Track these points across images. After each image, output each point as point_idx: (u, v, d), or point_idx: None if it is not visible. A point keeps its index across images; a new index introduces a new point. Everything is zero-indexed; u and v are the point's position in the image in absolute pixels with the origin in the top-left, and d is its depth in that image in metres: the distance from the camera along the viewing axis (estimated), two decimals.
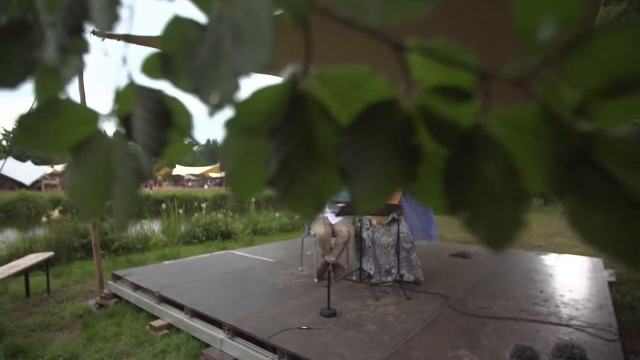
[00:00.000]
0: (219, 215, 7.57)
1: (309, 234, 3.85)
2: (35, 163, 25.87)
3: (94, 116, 0.35)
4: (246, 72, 0.24)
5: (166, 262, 4.54)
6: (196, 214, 7.51)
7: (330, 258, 3.64)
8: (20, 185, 19.70)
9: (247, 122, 0.27)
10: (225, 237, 7.27)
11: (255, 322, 2.51)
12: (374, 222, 3.67)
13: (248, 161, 0.28)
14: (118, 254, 5.61)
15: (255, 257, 4.68)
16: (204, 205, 7.98)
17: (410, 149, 0.27)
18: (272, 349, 2.21)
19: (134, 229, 6.88)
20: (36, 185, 21.10)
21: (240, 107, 0.27)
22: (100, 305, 3.51)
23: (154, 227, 7.20)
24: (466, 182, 0.27)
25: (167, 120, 0.31)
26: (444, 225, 9.08)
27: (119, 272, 3.81)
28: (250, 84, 0.27)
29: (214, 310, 2.74)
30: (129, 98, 0.33)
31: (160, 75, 0.32)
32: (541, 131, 0.25)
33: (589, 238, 0.25)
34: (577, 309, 2.76)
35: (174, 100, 0.32)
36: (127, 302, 3.46)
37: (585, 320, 2.53)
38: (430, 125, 0.27)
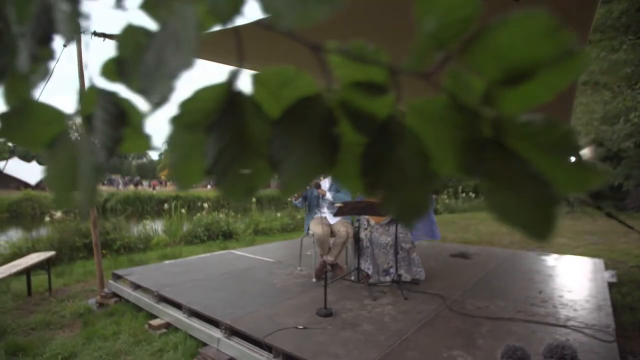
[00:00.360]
0: (221, 215, 7.59)
1: (308, 234, 3.86)
2: (40, 163, 25.96)
3: (61, 116, 0.37)
4: (176, 74, 0.25)
5: (166, 262, 4.57)
6: (198, 214, 7.55)
7: (329, 258, 3.65)
8: (26, 185, 19.87)
9: (189, 119, 0.30)
10: (227, 237, 7.30)
11: (251, 322, 2.52)
12: (372, 222, 3.67)
13: (190, 154, 0.31)
14: (120, 253, 5.65)
15: (255, 257, 4.69)
16: (205, 205, 8.00)
17: (331, 138, 0.29)
18: (268, 348, 2.22)
19: (136, 229, 6.93)
20: (41, 185, 21.29)
21: (183, 105, 0.29)
22: (101, 304, 3.54)
23: (156, 227, 7.25)
24: (382, 165, 0.30)
25: (122, 120, 0.33)
26: (445, 226, 9.07)
27: (120, 272, 3.84)
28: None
29: (211, 309, 2.75)
30: (91, 99, 0.35)
31: (116, 78, 0.33)
32: (449, 119, 0.28)
33: (502, 215, 0.29)
34: (575, 310, 2.75)
35: (128, 102, 0.34)
36: (127, 301, 3.49)
37: (582, 321, 2.52)
38: (350, 116, 0.30)
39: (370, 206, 3.26)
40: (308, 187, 3.75)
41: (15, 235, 7.03)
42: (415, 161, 0.29)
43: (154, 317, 3.08)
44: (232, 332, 2.48)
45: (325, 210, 3.84)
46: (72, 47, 3.58)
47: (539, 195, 0.27)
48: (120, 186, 28.88)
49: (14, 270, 3.43)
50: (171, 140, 0.31)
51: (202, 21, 0.27)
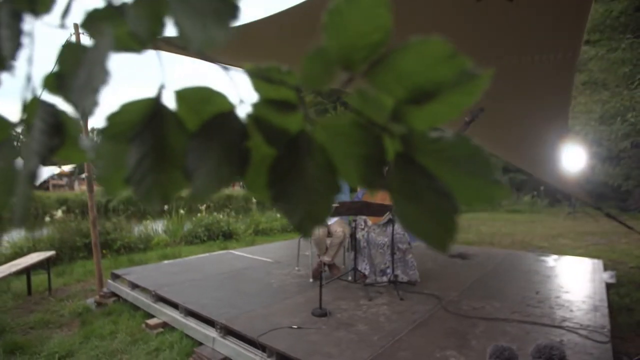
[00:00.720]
0: (221, 216, 7.62)
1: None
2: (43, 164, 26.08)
3: (7, 125, 0.39)
4: (98, 89, 0.28)
5: (165, 262, 4.59)
6: (199, 214, 7.57)
7: (326, 258, 3.66)
8: (35, 182, 19.94)
9: (114, 131, 0.32)
10: (227, 237, 7.31)
11: (247, 321, 2.54)
12: (370, 222, 3.68)
13: (114, 163, 0.33)
14: (120, 253, 5.69)
15: (254, 257, 4.71)
16: (203, 206, 8.03)
17: (242, 151, 0.32)
18: (262, 347, 2.23)
19: (137, 229, 6.96)
20: (44, 185, 21.43)
21: (110, 118, 0.32)
22: (99, 304, 3.56)
23: (156, 227, 7.28)
24: (288, 177, 0.32)
25: (58, 131, 0.35)
26: None
27: (118, 271, 3.87)
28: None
29: (207, 309, 2.77)
30: (34, 110, 0.36)
31: (56, 91, 0.35)
32: (354, 135, 0.30)
33: (407, 224, 0.31)
34: (571, 311, 2.74)
35: (65, 114, 0.35)
36: (125, 300, 3.51)
37: (578, 322, 2.52)
38: (262, 131, 0.32)
39: (367, 206, 3.27)
40: None
41: (18, 235, 7.09)
42: (323, 174, 0.31)
43: (152, 316, 3.10)
44: (227, 331, 2.49)
45: None
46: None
47: (441, 208, 0.29)
48: None
49: (13, 269, 3.46)
50: (98, 150, 0.33)
51: (125, 42, 0.29)
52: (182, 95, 0.32)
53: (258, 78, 0.30)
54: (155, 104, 0.31)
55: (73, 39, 3.64)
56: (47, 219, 5.98)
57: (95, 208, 3.94)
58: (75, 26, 3.66)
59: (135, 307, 3.35)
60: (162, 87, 0.31)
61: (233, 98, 0.31)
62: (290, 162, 0.32)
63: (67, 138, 0.34)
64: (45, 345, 2.73)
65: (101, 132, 0.32)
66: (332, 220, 3.76)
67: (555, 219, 9.88)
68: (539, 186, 12.99)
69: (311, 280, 3.57)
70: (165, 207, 7.37)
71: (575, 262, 4.46)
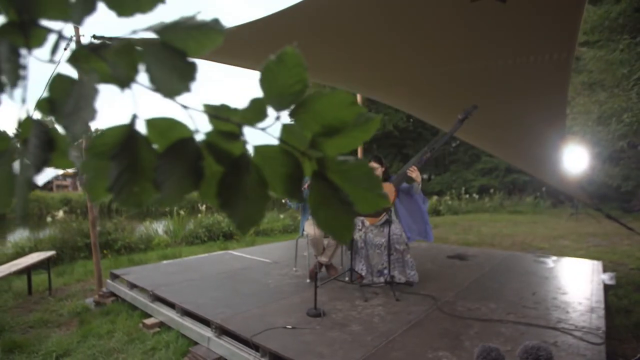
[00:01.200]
0: (221, 217, 7.64)
1: (303, 235, 3.88)
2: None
3: (6, 137, 0.45)
4: (88, 121, 0.35)
5: (164, 262, 4.62)
6: (199, 215, 7.61)
7: (323, 259, 3.67)
8: (33, 185, 20.14)
9: (98, 150, 0.39)
10: (228, 237, 7.35)
11: (241, 321, 2.55)
12: (367, 223, 3.68)
13: (98, 175, 0.40)
14: (121, 253, 5.73)
15: (252, 257, 4.73)
16: (203, 207, 8.07)
17: (197, 168, 0.40)
18: (255, 347, 2.24)
19: (139, 229, 7.01)
20: (48, 185, 21.59)
21: (94, 139, 0.40)
22: (98, 303, 3.59)
23: (158, 227, 7.32)
24: (232, 189, 0.41)
25: (50, 145, 0.41)
26: (447, 227, 9.04)
27: (117, 271, 3.90)
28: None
29: (203, 309, 2.78)
30: (27, 127, 0.42)
31: (48, 113, 0.42)
32: (281, 159, 0.40)
33: (320, 224, 0.41)
34: (567, 312, 2.73)
35: (56, 131, 0.42)
36: (124, 300, 3.54)
37: (573, 323, 2.51)
38: (213, 153, 0.41)
39: None
40: (303, 188, 3.75)
41: (22, 235, 7.15)
42: (257, 186, 0.41)
43: (149, 316, 3.13)
44: (222, 331, 2.51)
45: None
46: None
47: (344, 212, 0.40)
48: None
49: (14, 269, 3.50)
50: (84, 164, 0.40)
51: (108, 77, 0.36)
52: (152, 123, 0.40)
53: (211, 115, 0.39)
54: (130, 129, 0.39)
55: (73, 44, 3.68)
56: (49, 219, 6.03)
57: (98, 208, 3.98)
58: (76, 29, 3.70)
59: (134, 307, 3.38)
60: (135, 117, 0.38)
61: (195, 126, 0.40)
62: (233, 178, 0.41)
63: (58, 151, 0.41)
64: (44, 344, 2.76)
65: (87, 150, 0.39)
66: None
67: (558, 220, 9.83)
68: (542, 187, 12.93)
69: (308, 280, 3.58)
70: (167, 208, 7.42)
71: (574, 263, 4.43)
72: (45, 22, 0.39)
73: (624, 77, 6.53)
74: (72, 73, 0.40)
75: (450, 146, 21.93)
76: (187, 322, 2.75)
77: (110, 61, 0.36)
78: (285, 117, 0.40)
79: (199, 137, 0.40)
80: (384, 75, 3.65)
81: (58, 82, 0.40)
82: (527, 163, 4.79)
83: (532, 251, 5.79)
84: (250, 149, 0.42)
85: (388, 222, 3.54)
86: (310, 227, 3.65)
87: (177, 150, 0.39)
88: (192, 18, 0.38)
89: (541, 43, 2.51)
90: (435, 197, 13.41)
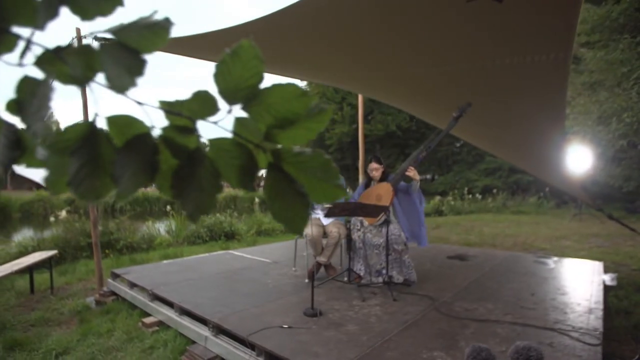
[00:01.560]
0: (223, 217, 7.68)
1: (302, 234, 3.89)
2: None
3: None
4: (44, 123, 0.38)
5: (164, 262, 4.65)
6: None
7: (322, 259, 3.68)
8: (38, 186, 20.33)
9: (60, 146, 0.41)
10: (229, 237, 7.37)
11: (238, 320, 2.56)
12: (366, 223, 3.68)
13: (59, 170, 0.42)
14: (122, 253, 5.77)
15: (253, 257, 4.75)
16: None
17: (153, 162, 0.42)
18: (251, 346, 2.25)
19: (142, 229, 7.05)
20: None
21: (57, 136, 0.41)
22: (99, 302, 3.63)
23: (160, 227, 7.37)
24: (186, 180, 0.43)
25: (18, 145, 0.43)
26: (449, 228, 9.01)
27: (118, 271, 3.93)
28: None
29: (201, 308, 2.80)
30: None
31: (15, 113, 0.43)
32: (234, 151, 0.42)
33: (275, 215, 0.43)
34: (565, 313, 2.72)
35: (24, 131, 0.43)
36: (124, 299, 3.57)
37: (570, 324, 2.50)
38: (169, 147, 0.42)
39: (361, 207, 3.28)
40: None
41: (27, 234, 7.23)
42: (211, 178, 0.43)
43: (148, 315, 3.15)
44: (219, 330, 2.53)
45: (318, 211, 3.86)
46: None
47: (299, 203, 0.41)
48: None
49: (16, 268, 3.54)
50: (47, 160, 0.42)
51: (68, 78, 0.39)
52: (112, 120, 0.42)
53: (166, 111, 0.41)
54: (91, 126, 0.41)
55: (75, 42, 3.73)
56: (52, 219, 6.09)
57: (102, 208, 4.02)
58: (78, 30, 3.75)
59: (133, 306, 3.41)
60: (96, 115, 0.41)
61: (151, 122, 0.42)
62: (188, 170, 0.43)
63: (26, 150, 0.42)
64: (44, 342, 2.79)
65: (49, 147, 0.41)
66: (327, 221, 3.78)
67: (561, 221, 9.76)
68: (545, 188, 12.85)
69: (307, 280, 3.59)
70: (168, 207, 7.45)
71: (575, 264, 4.41)
72: (15, 29, 0.41)
73: (624, 77, 6.48)
74: (39, 75, 0.41)
75: (453, 146, 21.86)
76: (185, 321, 2.78)
77: (69, 63, 0.38)
78: (239, 110, 0.41)
79: (157, 132, 0.42)
80: (383, 75, 3.66)
81: (24, 84, 0.42)
82: (528, 163, 4.77)
83: (534, 252, 5.76)
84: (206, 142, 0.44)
85: (387, 222, 3.54)
86: (308, 227, 3.65)
87: (135, 145, 0.41)
88: (146, 18, 0.40)
89: (538, 43, 2.50)
90: (437, 198, 13.37)
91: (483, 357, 1.41)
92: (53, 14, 0.38)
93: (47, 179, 0.42)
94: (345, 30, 2.88)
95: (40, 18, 0.39)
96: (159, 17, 0.40)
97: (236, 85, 0.40)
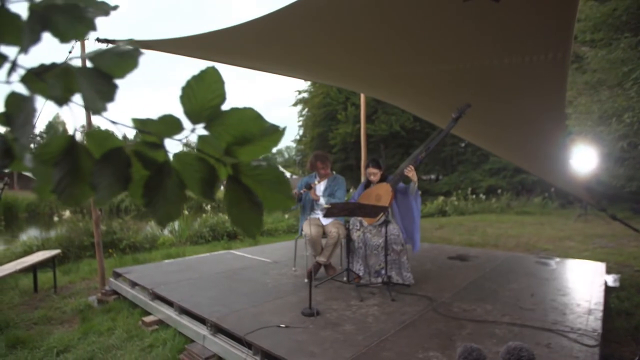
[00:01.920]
0: (226, 217, 7.71)
1: (301, 235, 3.90)
2: None
3: None
4: (30, 136, 0.42)
5: (165, 261, 4.69)
6: (204, 215, 7.69)
7: (321, 259, 3.69)
8: None
9: (44, 157, 0.46)
10: (232, 237, 7.41)
11: (236, 320, 2.58)
12: (365, 223, 3.68)
13: (44, 178, 0.47)
14: (126, 252, 5.82)
15: (253, 257, 4.77)
16: (208, 207, 8.14)
17: (126, 172, 0.47)
18: (248, 345, 2.27)
19: (146, 229, 7.12)
20: None
21: (40, 148, 0.46)
22: (101, 301, 3.66)
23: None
24: (155, 189, 0.48)
25: (7, 154, 0.47)
26: (452, 228, 8.97)
27: (119, 270, 3.97)
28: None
29: (200, 307, 2.83)
30: None
31: (5, 125, 0.48)
32: (197, 165, 0.47)
33: (233, 221, 0.49)
34: (564, 314, 2.70)
35: (14, 140, 0.47)
36: (125, 298, 3.61)
37: (569, 325, 2.49)
38: (140, 160, 0.48)
39: (360, 208, 3.29)
40: (303, 191, 3.77)
41: (33, 234, 7.32)
42: (177, 188, 0.48)
43: (149, 314, 3.18)
44: (217, 329, 2.55)
45: (318, 212, 3.87)
46: (76, 53, 3.73)
47: (254, 211, 0.47)
48: None
49: (19, 267, 3.59)
50: (34, 169, 0.47)
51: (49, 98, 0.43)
52: (90, 135, 0.48)
53: (138, 128, 0.47)
54: (71, 140, 0.46)
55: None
56: (56, 219, 6.16)
57: (107, 208, 4.07)
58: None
59: (134, 305, 3.44)
60: (75, 130, 0.47)
61: (126, 137, 0.47)
62: (157, 181, 0.48)
63: (15, 158, 0.46)
64: (46, 340, 2.83)
65: (34, 157, 0.45)
66: (327, 221, 3.78)
67: (566, 221, 9.67)
68: (550, 188, 12.74)
69: (306, 280, 3.59)
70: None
71: (577, 265, 4.37)
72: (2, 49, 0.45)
73: (625, 76, 6.40)
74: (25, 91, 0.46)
75: (458, 146, 21.76)
76: (184, 320, 2.80)
77: (49, 84, 0.42)
78: (201, 129, 0.46)
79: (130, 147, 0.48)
80: (383, 73, 3.66)
81: (12, 99, 0.46)
82: (530, 163, 4.75)
83: (536, 252, 5.72)
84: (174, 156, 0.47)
85: (386, 223, 3.54)
86: (308, 227, 3.67)
87: (110, 157, 0.47)
88: (118, 47, 0.45)
89: (536, 42, 2.49)
90: (441, 198, 13.31)
91: (474, 357, 1.41)
92: (36, 38, 0.42)
93: (34, 186, 0.47)
94: (346, 28, 2.89)
95: (25, 42, 0.42)
96: (130, 46, 0.46)
97: (201, 107, 0.46)
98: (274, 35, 3.01)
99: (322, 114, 24.55)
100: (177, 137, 0.46)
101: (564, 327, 2.44)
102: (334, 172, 3.95)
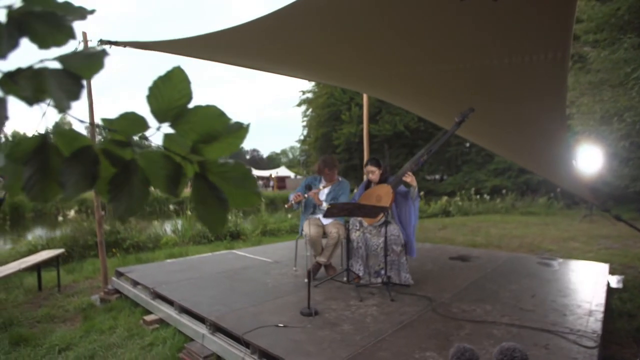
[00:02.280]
0: (229, 217, 7.75)
1: (302, 235, 3.91)
2: None
3: None
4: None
5: (168, 261, 4.72)
6: None
7: (321, 259, 3.70)
8: None
9: (15, 156, 0.48)
10: (235, 237, 7.44)
11: (235, 319, 2.60)
12: (365, 223, 3.69)
13: (16, 176, 0.49)
14: (129, 252, 5.87)
15: (255, 257, 4.79)
16: None
17: (94, 171, 0.49)
18: (246, 344, 2.28)
19: (151, 229, 7.17)
20: None
21: (11, 147, 0.49)
22: (103, 300, 3.70)
23: (167, 227, 7.48)
24: (120, 186, 0.50)
25: None
26: (455, 228, 8.93)
27: (122, 269, 4.01)
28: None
29: (200, 306, 2.85)
30: None
31: None
32: (162, 162, 0.49)
33: (199, 217, 0.51)
34: (564, 315, 2.69)
35: None
36: (127, 297, 3.64)
37: (568, 326, 2.47)
38: (108, 158, 0.49)
39: (359, 208, 3.29)
40: (306, 196, 3.79)
41: (39, 234, 7.41)
42: (140, 185, 0.50)
43: (150, 312, 3.21)
44: (216, 328, 2.56)
45: (318, 212, 3.88)
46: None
47: (220, 207, 0.49)
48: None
49: (23, 266, 3.64)
50: (5, 168, 0.49)
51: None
52: (60, 134, 0.49)
53: (106, 127, 0.50)
54: (44, 138, 0.48)
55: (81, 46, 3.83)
56: (60, 218, 6.23)
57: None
58: (84, 34, 3.84)
59: (136, 304, 3.48)
60: (47, 130, 0.49)
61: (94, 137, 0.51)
62: (123, 178, 0.50)
63: None
64: (48, 338, 2.87)
65: (6, 156, 0.48)
66: (327, 221, 3.79)
67: (571, 222, 9.59)
68: (556, 188, 12.63)
69: (306, 280, 3.60)
70: (172, 207, 7.53)
71: (580, 266, 4.34)
72: None
73: (628, 76, 6.33)
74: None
75: (463, 146, 21.66)
76: (184, 319, 2.82)
77: (21, 85, 0.43)
78: (167, 127, 0.48)
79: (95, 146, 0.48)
80: (383, 74, 3.66)
81: None
82: (532, 163, 4.72)
83: (540, 253, 5.68)
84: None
85: (386, 223, 3.54)
86: (308, 228, 3.68)
87: (79, 156, 0.48)
88: (87, 49, 0.46)
89: (535, 42, 2.48)
90: (445, 198, 13.25)
91: (467, 357, 1.41)
92: (14, 44, 0.44)
93: (6, 184, 0.49)
94: (347, 28, 2.89)
95: (3, 48, 0.44)
96: (97, 48, 0.46)
97: (167, 106, 0.47)
98: (275, 34, 3.02)
99: (326, 114, 24.55)
100: (147, 133, 0.47)
101: (563, 329, 2.43)
102: (340, 178, 3.95)
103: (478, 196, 13.82)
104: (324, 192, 3.89)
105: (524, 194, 14.97)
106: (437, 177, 24.79)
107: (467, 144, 21.01)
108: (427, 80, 3.60)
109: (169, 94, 0.47)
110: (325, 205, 3.82)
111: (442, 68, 3.20)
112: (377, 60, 3.43)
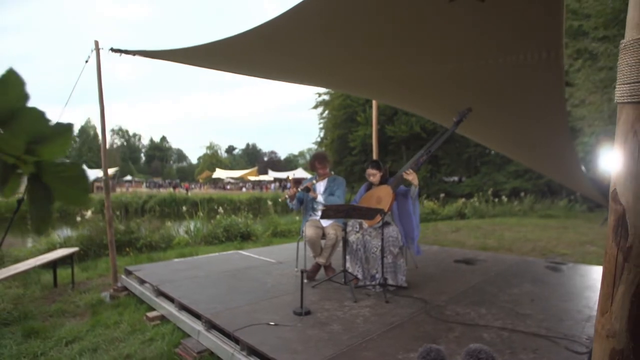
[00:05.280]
0: (240, 219, 7.89)
1: (302, 236, 3.96)
2: (90, 167, 28.56)
3: None
4: None
5: (175, 260, 4.87)
6: (218, 216, 7.90)
7: (321, 260, 3.74)
8: None
9: None
10: (245, 238, 7.57)
11: (230, 317, 2.68)
12: (365, 225, 3.71)
13: None
14: (142, 252, 6.08)
15: (259, 257, 4.88)
16: (220, 209, 8.36)
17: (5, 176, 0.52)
18: (236, 341, 2.35)
19: (162, 229, 7.39)
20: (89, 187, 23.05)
21: None
22: (113, 297, 3.87)
23: (179, 227, 7.69)
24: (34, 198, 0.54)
25: None
26: (469, 231, 8.78)
27: (130, 268, 4.17)
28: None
29: (198, 304, 2.94)
30: None
31: None
32: None
33: (31, 217, 0.53)
34: (561, 320, 2.63)
35: None
36: (134, 294, 3.79)
37: (563, 331, 2.42)
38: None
39: (354, 210, 3.32)
40: (299, 190, 3.85)
41: (62, 233, 7.76)
42: (44, 196, 0.53)
43: (153, 309, 3.33)
44: (211, 325, 2.65)
45: (319, 213, 3.92)
46: (92, 62, 3.97)
47: (45, 206, 0.53)
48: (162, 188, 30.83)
49: (39, 262, 3.85)
50: None
51: None
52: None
53: None
54: None
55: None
56: (78, 219, 6.52)
57: (133, 208, 4.28)
58: (96, 43, 4.03)
59: (141, 301, 3.61)
60: None
61: None
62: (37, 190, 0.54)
63: None
64: (57, 331, 3.03)
65: None
66: (327, 223, 3.83)
67: (592, 226, 9.25)
68: (576, 190, 12.21)
69: (305, 281, 3.66)
70: (184, 208, 7.74)
71: (589, 270, 4.20)
72: None
73: None
74: None
75: (482, 147, 21.21)
76: (183, 316, 2.92)
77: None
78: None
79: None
80: (378, 75, 3.67)
81: None
82: (535, 164, 4.62)
83: (552, 257, 5.52)
84: None
85: (386, 224, 3.55)
86: (307, 228, 3.73)
87: None
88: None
89: (528, 42, 2.46)
90: (461, 200, 13.02)
91: (432, 358, 1.42)
92: None
93: None
94: (345, 31, 2.92)
95: None
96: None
97: (2, 107, 0.50)
98: (275, 41, 3.08)
99: (342, 115, 24.59)
100: None
101: (557, 334, 2.38)
102: (333, 173, 4.01)
103: (496, 199, 13.51)
104: (320, 187, 3.94)
105: (545, 196, 14.52)
106: (456, 178, 24.36)
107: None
108: (428, 82, 3.59)
109: (1, 97, 0.49)
110: (320, 198, 3.87)
111: (438, 69, 3.20)
112: (374, 63, 3.44)
